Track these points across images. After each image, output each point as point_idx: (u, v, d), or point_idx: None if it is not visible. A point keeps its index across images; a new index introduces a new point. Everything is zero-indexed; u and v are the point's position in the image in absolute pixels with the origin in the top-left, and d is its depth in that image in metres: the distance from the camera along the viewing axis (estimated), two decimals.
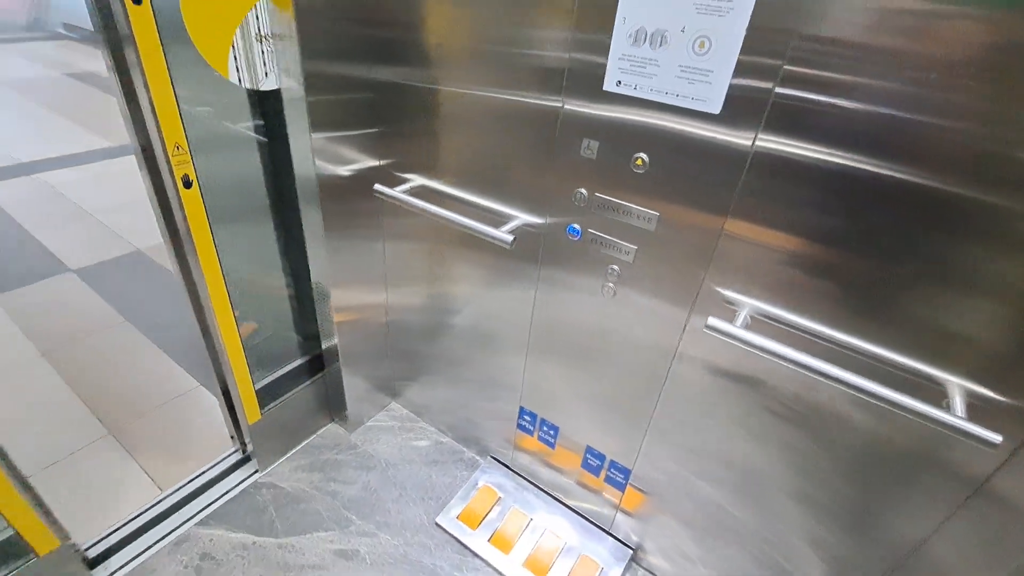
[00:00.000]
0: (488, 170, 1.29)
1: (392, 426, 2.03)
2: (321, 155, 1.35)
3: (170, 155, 1.15)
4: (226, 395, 1.65)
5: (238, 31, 1.18)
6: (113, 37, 1.04)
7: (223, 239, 1.36)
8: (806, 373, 0.91)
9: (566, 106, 1.07)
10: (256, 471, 1.77)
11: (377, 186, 1.42)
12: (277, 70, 1.27)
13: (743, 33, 0.82)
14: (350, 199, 1.49)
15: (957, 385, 0.86)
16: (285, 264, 1.66)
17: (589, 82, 1.02)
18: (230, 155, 1.61)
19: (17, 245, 3.03)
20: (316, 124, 1.30)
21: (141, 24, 1.01)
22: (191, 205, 1.24)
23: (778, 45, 0.80)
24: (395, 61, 1.29)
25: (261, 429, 1.70)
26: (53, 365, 2.20)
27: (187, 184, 1.21)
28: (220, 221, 1.33)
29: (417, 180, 1.44)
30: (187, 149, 1.18)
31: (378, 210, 1.59)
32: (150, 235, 3.04)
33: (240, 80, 1.24)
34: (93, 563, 1.49)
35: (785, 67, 0.81)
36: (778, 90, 0.83)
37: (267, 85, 1.29)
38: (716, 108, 0.90)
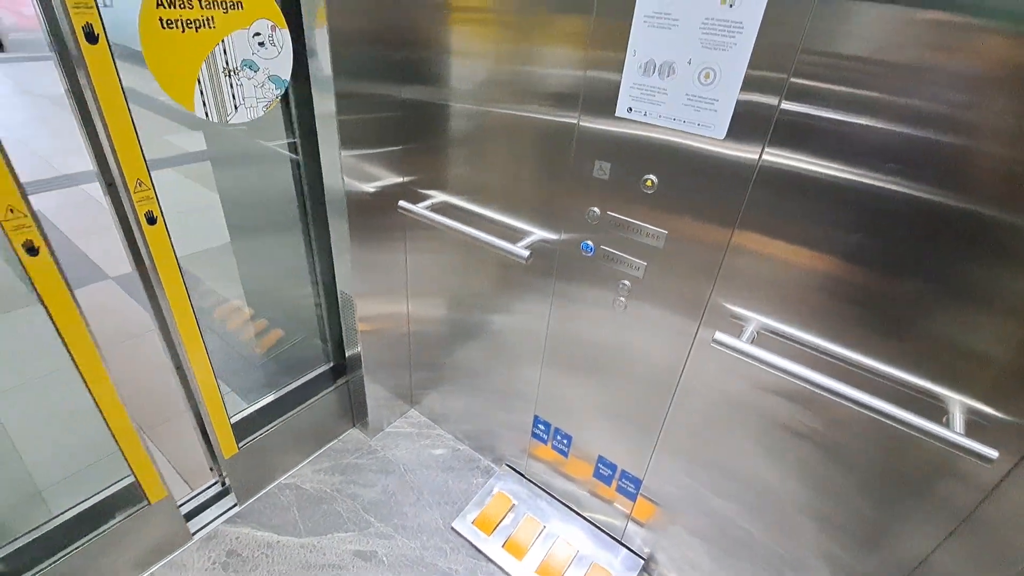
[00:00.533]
0: (506, 187, 1.36)
1: (411, 432, 2.09)
2: (350, 172, 1.43)
3: (131, 191, 1.12)
4: (202, 429, 1.62)
5: (203, 66, 1.15)
6: (69, 69, 1.00)
7: (252, 250, 1.44)
8: (812, 388, 0.94)
9: (580, 129, 1.13)
10: (235, 504, 1.76)
11: (402, 203, 1.49)
12: (248, 103, 1.25)
13: (745, 65, 0.87)
14: (376, 214, 1.57)
15: (957, 402, 0.88)
16: (312, 275, 1.75)
17: (602, 108, 1.08)
18: (262, 169, 1.71)
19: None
20: (346, 142, 1.39)
21: (96, 59, 0.98)
22: (156, 242, 1.21)
23: (782, 63, 0.85)
24: (421, 81, 1.37)
25: (241, 460, 1.69)
26: None
27: (151, 220, 1.17)
28: (249, 232, 1.41)
29: (439, 196, 1.51)
30: (150, 184, 1.14)
31: (401, 224, 1.66)
32: (185, 246, 3.20)
33: (207, 115, 1.19)
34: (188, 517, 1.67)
35: (790, 80, 0.86)
36: (783, 106, 0.88)
37: (237, 119, 1.24)
38: (721, 134, 0.95)
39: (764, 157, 0.92)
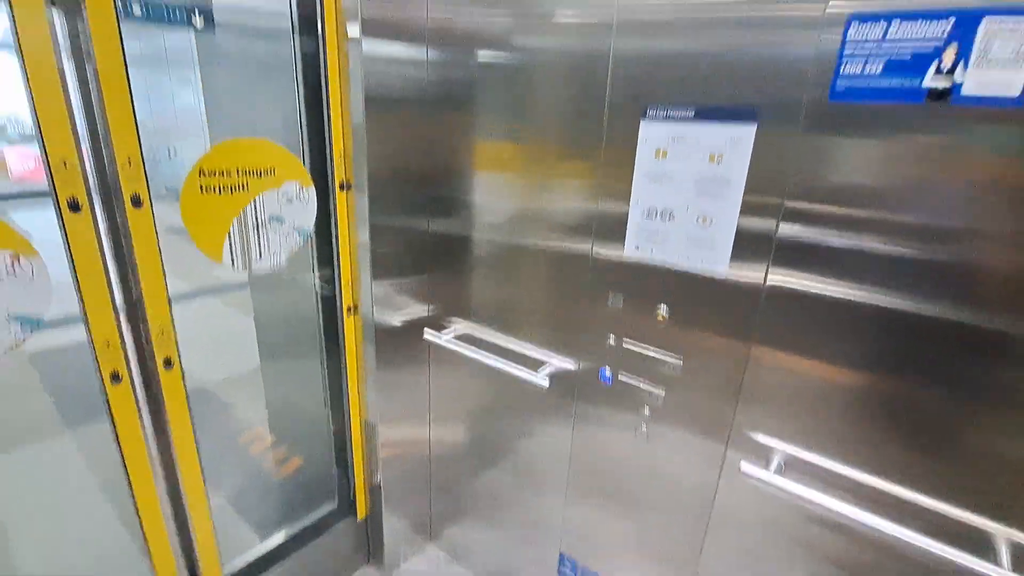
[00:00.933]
0: (525, 317, 1.44)
1: (429, 571, 1.97)
2: (379, 301, 1.54)
3: (153, 338, 1.20)
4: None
5: (235, 223, 1.27)
6: (114, 229, 1.12)
7: (279, 374, 1.51)
8: (847, 522, 0.91)
9: (594, 260, 1.24)
10: None
11: (427, 331, 1.58)
12: (273, 252, 1.36)
13: (737, 212, 0.98)
14: (401, 341, 1.65)
15: (1004, 536, 0.84)
16: (336, 400, 1.79)
17: (612, 247, 1.19)
18: (295, 296, 1.84)
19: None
20: (377, 272, 1.51)
21: (140, 222, 1.10)
22: (170, 386, 1.25)
23: (775, 191, 0.96)
24: (446, 215, 1.53)
25: None
26: None
27: (168, 364, 1.23)
28: (279, 357, 1.49)
29: (461, 325, 1.60)
30: (172, 331, 1.21)
31: (424, 351, 1.74)
32: (217, 371, 3.31)
33: (234, 265, 1.29)
34: None
35: (785, 204, 0.95)
36: (780, 231, 0.96)
37: (261, 268, 1.33)
38: (723, 269, 1.03)
39: (769, 280, 0.99)
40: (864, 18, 0.80)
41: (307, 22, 1.39)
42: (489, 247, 1.46)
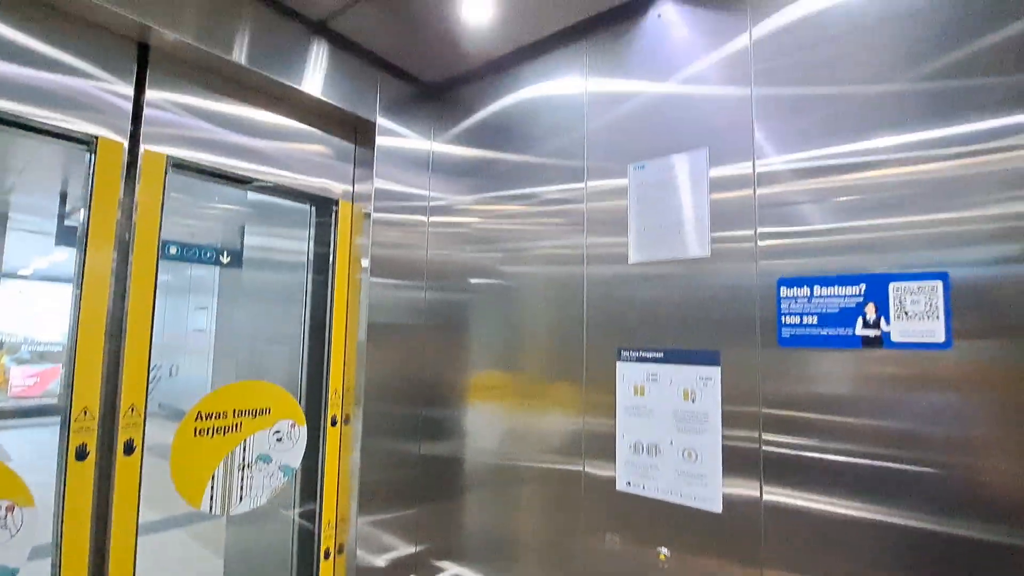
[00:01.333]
0: (520, 556, 1.33)
1: None
2: (364, 541, 1.43)
3: None
4: None
5: (221, 465, 1.26)
6: (104, 475, 1.09)
7: None
8: None
9: (587, 487, 1.20)
10: None
11: None
12: (254, 494, 1.32)
13: (720, 448, 1.01)
14: None
15: None
16: None
17: (602, 485, 1.17)
18: (275, 529, 1.70)
19: None
20: (363, 506, 1.43)
21: (127, 469, 1.11)
22: None
23: (751, 416, 0.97)
24: (438, 436, 1.52)
25: None
26: None
27: None
28: None
29: (451, 571, 1.46)
30: None
31: None
32: None
33: (211, 510, 1.25)
34: None
35: (763, 411, 0.96)
36: (764, 447, 0.96)
37: (239, 510, 1.30)
38: (717, 507, 1.01)
39: (765, 498, 0.96)
40: (790, 282, 0.95)
41: (321, 261, 1.59)
42: (480, 470, 1.43)
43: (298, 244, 1.64)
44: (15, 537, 0.97)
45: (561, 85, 1.36)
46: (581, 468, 1.23)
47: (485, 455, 1.43)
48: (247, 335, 2.03)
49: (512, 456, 1.37)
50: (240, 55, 1.26)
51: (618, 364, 1.15)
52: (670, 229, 1.11)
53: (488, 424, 1.43)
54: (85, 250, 1.07)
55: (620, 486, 1.14)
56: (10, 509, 0.96)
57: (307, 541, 1.55)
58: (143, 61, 1.19)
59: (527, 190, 1.42)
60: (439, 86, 1.66)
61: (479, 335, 1.48)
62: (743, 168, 1.03)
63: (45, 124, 1.04)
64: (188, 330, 6.02)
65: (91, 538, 1.06)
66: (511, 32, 1.38)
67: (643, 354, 1.12)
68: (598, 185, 1.26)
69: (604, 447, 1.18)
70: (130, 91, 1.15)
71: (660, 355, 1.09)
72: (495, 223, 1.48)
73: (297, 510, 1.56)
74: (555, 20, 1.33)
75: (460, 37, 1.42)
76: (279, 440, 1.39)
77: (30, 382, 8.13)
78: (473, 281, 1.51)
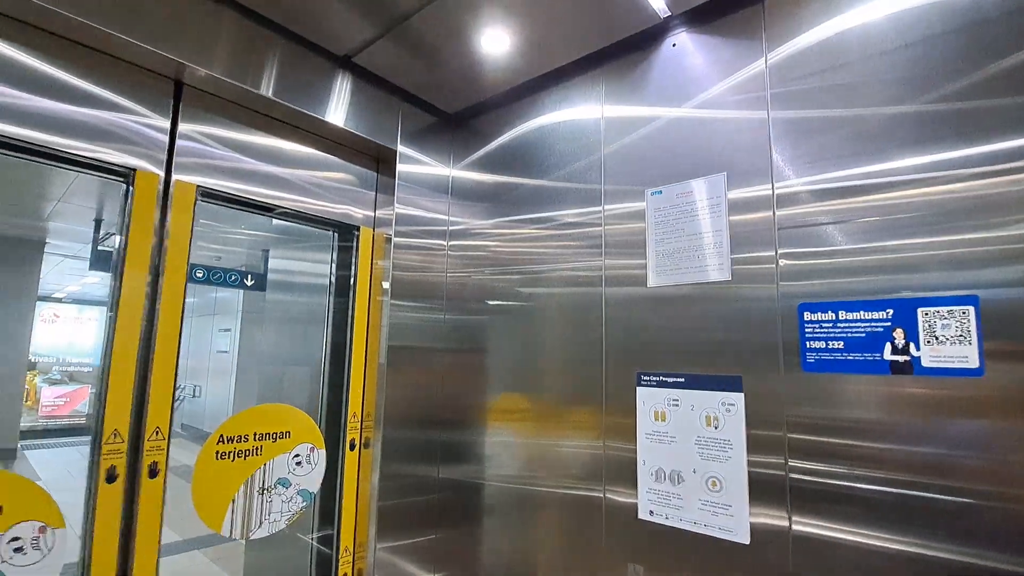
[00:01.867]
0: None
1: None
2: (381, 569, 1.42)
3: None
4: None
5: (241, 489, 1.28)
6: (129, 497, 1.11)
7: None
8: None
9: (608, 513, 1.17)
10: None
11: None
12: (273, 519, 1.33)
13: (746, 477, 0.98)
14: None
15: None
16: None
17: (624, 512, 1.15)
18: (295, 555, 1.69)
19: None
20: (382, 532, 1.42)
21: (151, 491, 1.12)
22: None
23: (777, 443, 0.95)
24: (457, 459, 1.50)
25: None
26: None
27: None
28: None
29: None
30: None
31: None
32: None
33: (231, 533, 1.26)
34: None
35: (788, 436, 0.93)
36: (791, 474, 0.92)
37: (259, 535, 1.31)
38: (745, 538, 0.98)
39: (794, 528, 0.93)
40: (813, 307, 0.93)
41: (342, 285, 1.62)
42: (500, 495, 1.41)
43: (320, 267, 1.68)
44: (46, 558, 1.00)
45: (578, 112, 1.39)
46: (601, 494, 1.21)
47: (504, 480, 1.42)
48: (269, 357, 2.06)
49: (531, 481, 1.36)
50: (267, 88, 1.31)
51: (638, 389, 1.14)
52: (689, 253, 1.10)
53: (507, 448, 1.42)
54: (121, 276, 1.11)
55: (642, 514, 1.12)
56: (42, 531, 0.98)
57: (325, 566, 1.54)
58: (177, 95, 1.25)
59: (545, 213, 1.43)
60: (458, 115, 1.70)
61: (498, 358, 1.48)
62: (762, 190, 1.03)
63: (88, 158, 1.09)
64: (211, 351, 6.12)
65: (118, 559, 1.08)
66: (528, 63, 1.41)
67: (664, 379, 1.10)
68: (616, 208, 1.27)
69: (625, 473, 1.16)
70: (167, 124, 1.21)
71: (681, 380, 1.08)
72: (513, 246, 1.49)
73: (315, 535, 1.56)
74: (571, 51, 1.36)
75: (479, 69, 1.46)
76: (298, 464, 1.40)
77: (60, 402, 8.33)
78: (492, 303, 1.52)
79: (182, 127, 1.24)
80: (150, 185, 1.16)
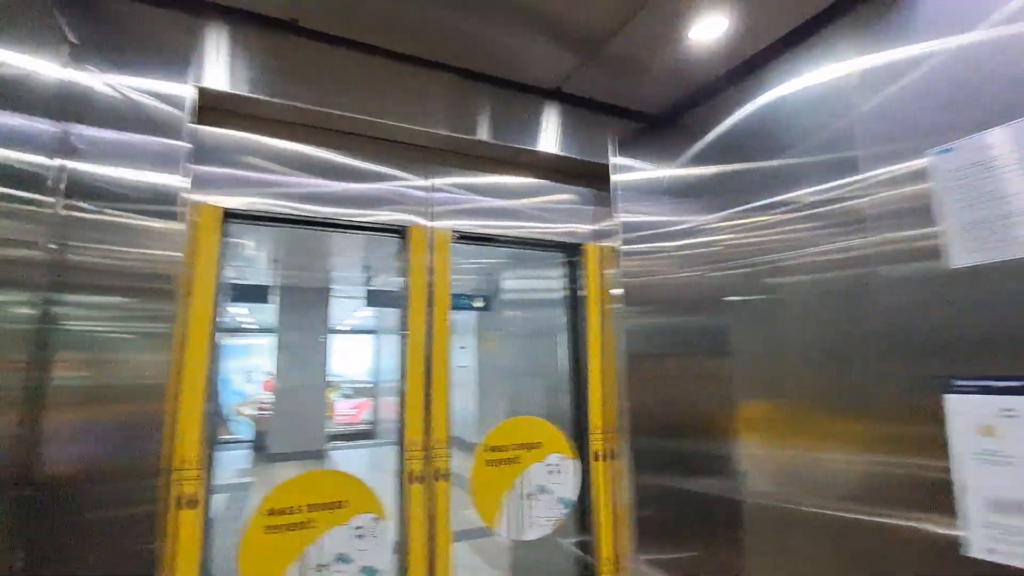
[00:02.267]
0: None
1: None
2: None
3: None
4: None
5: (507, 492, 1.42)
6: None
7: None
8: None
9: (913, 565, 0.97)
10: None
11: None
12: (539, 524, 1.44)
13: None
14: None
15: None
16: None
17: (935, 547, 0.93)
18: (548, 569, 1.80)
19: None
20: (641, 544, 1.43)
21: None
22: None
23: None
24: (709, 472, 1.42)
25: None
26: None
27: None
28: None
29: None
30: None
31: None
32: None
33: (507, 532, 1.41)
34: None
35: None
36: None
37: (529, 536, 1.43)
38: None
39: None
40: None
41: (571, 299, 1.70)
42: (761, 514, 1.28)
43: (550, 283, 1.80)
44: (379, 543, 1.25)
45: (816, 75, 1.21)
46: (900, 522, 1.00)
47: (764, 497, 1.29)
48: (507, 371, 2.26)
49: (796, 501, 1.20)
50: (484, 133, 1.47)
51: (948, 396, 0.92)
52: (997, 223, 0.86)
53: (759, 461, 1.29)
54: (407, 310, 1.37)
55: (977, 552, 0.89)
56: (376, 521, 1.22)
57: (586, 572, 1.60)
58: (425, 157, 1.49)
59: (780, 197, 1.28)
60: (667, 114, 1.65)
61: (740, 359, 1.37)
62: None
63: (370, 222, 1.38)
64: (454, 367, 7.03)
65: (427, 546, 1.30)
66: (751, 39, 1.31)
67: (989, 383, 0.87)
68: (878, 175, 1.06)
69: (925, 497, 0.94)
70: (429, 184, 1.45)
71: (1018, 384, 0.83)
72: (745, 237, 1.37)
73: (573, 539, 1.64)
74: (805, 7, 1.20)
75: (688, 64, 1.40)
76: (551, 473, 1.50)
77: (351, 412, 10.52)
78: (727, 300, 1.41)
79: (434, 182, 1.46)
80: (420, 236, 1.41)
